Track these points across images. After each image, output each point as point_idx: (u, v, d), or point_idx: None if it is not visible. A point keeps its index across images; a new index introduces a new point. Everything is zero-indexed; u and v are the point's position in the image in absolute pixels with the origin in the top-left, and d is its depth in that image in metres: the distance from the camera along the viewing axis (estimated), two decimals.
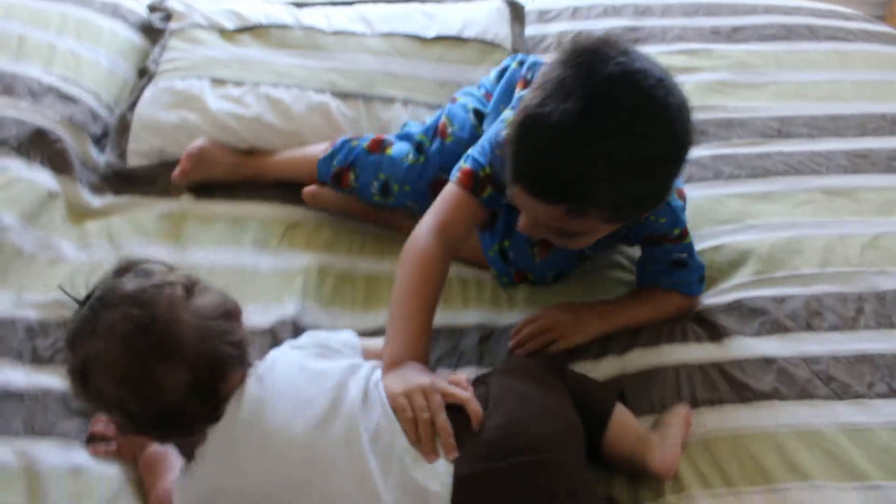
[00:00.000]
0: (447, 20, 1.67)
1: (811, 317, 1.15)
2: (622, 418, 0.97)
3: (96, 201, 1.33)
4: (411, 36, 1.61)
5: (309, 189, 1.33)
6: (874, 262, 1.23)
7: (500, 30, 1.68)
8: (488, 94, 1.36)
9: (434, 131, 1.30)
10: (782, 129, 1.52)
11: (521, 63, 1.31)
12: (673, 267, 1.16)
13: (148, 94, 1.46)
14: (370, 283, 1.25)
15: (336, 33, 1.60)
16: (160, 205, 1.34)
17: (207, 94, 1.45)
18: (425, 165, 1.27)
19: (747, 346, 1.11)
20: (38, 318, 1.10)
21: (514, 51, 1.65)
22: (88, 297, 0.84)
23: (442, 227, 1.06)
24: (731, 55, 1.72)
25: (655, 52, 1.67)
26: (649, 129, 0.88)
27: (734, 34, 1.80)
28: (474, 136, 1.24)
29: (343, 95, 1.48)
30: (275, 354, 0.92)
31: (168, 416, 0.81)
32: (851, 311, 1.16)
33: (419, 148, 1.29)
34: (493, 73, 1.39)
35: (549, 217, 0.95)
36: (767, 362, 1.09)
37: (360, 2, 1.74)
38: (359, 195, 1.31)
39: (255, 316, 1.14)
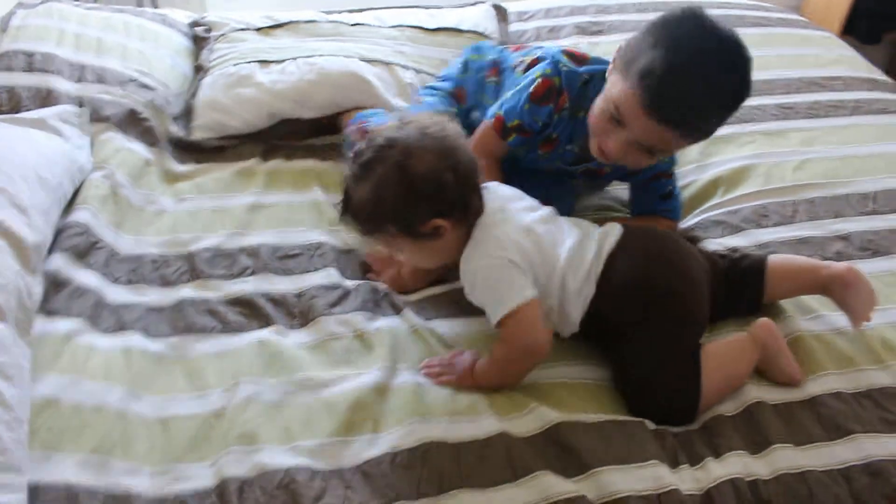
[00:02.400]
0: (446, 17, 2.01)
1: (759, 219, 1.49)
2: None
3: (181, 167, 1.59)
4: (417, 27, 1.95)
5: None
6: (802, 178, 1.61)
7: (490, 25, 2.03)
8: (459, 88, 1.61)
9: None
10: None
11: (479, 51, 1.62)
12: (664, 198, 1.48)
13: (207, 80, 1.73)
14: None
15: (356, 24, 1.92)
16: (233, 166, 1.61)
17: (257, 72, 1.72)
18: None
19: (715, 244, 1.44)
20: (158, 253, 1.37)
21: (502, 43, 1.99)
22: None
23: (476, 146, 1.36)
24: None
25: (616, 41, 2.05)
26: (744, 72, 1.16)
27: None
28: None
29: (368, 61, 1.76)
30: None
31: (466, 178, 1.13)
32: (790, 211, 1.52)
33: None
34: (457, 64, 1.66)
35: (661, 140, 1.20)
36: (732, 251, 1.42)
37: (372, 9, 2.07)
38: None
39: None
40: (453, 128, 1.16)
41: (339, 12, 2.03)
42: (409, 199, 1.10)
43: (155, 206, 1.48)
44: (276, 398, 1.11)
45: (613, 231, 1.23)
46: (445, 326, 1.26)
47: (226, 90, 1.71)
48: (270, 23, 1.89)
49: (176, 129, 1.65)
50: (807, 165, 1.64)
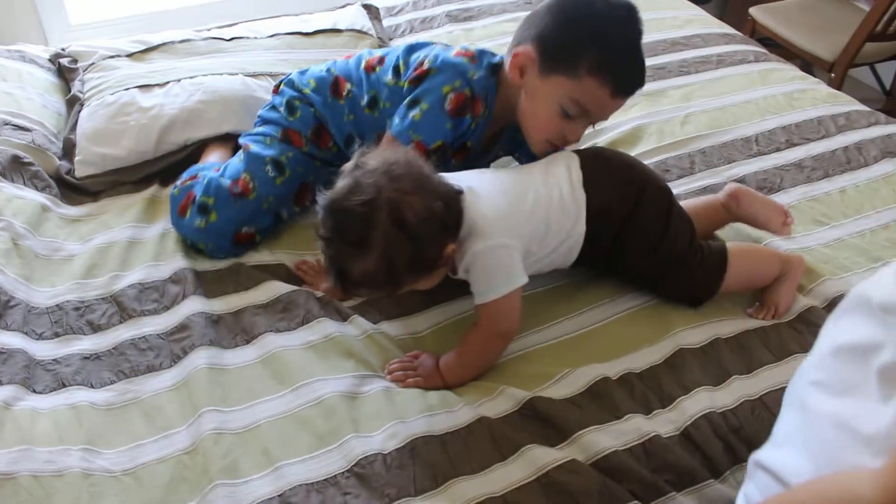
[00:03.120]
0: (321, 21, 1.99)
1: (662, 174, 1.58)
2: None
3: (80, 208, 1.49)
4: (294, 33, 1.92)
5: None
6: (690, 131, 1.72)
7: (365, 23, 2.02)
8: (289, 130, 1.45)
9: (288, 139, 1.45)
10: None
11: (293, 85, 1.48)
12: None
13: (85, 113, 1.63)
14: None
15: (233, 39, 1.87)
16: (131, 198, 1.53)
17: (138, 97, 1.63)
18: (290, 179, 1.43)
19: None
20: (79, 300, 1.28)
21: (379, 39, 1.99)
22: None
23: None
24: None
25: (490, 23, 2.11)
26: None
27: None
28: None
29: (252, 75, 1.72)
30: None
31: (449, 200, 1.11)
32: (687, 164, 1.62)
33: (277, 166, 1.42)
34: (278, 108, 1.48)
35: (614, 110, 1.32)
36: None
37: (242, 22, 2.01)
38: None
39: None
40: (403, 152, 1.13)
41: (209, 28, 1.96)
42: (418, 249, 1.08)
43: (62, 252, 1.38)
44: (245, 423, 1.08)
45: (571, 161, 1.27)
46: (394, 328, 1.27)
47: (108, 120, 1.62)
48: (142, 46, 1.81)
49: (64, 169, 1.55)
50: (691, 119, 1.76)
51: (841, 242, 1.43)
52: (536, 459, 1.02)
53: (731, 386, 1.15)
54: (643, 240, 1.25)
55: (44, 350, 1.18)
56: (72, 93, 1.72)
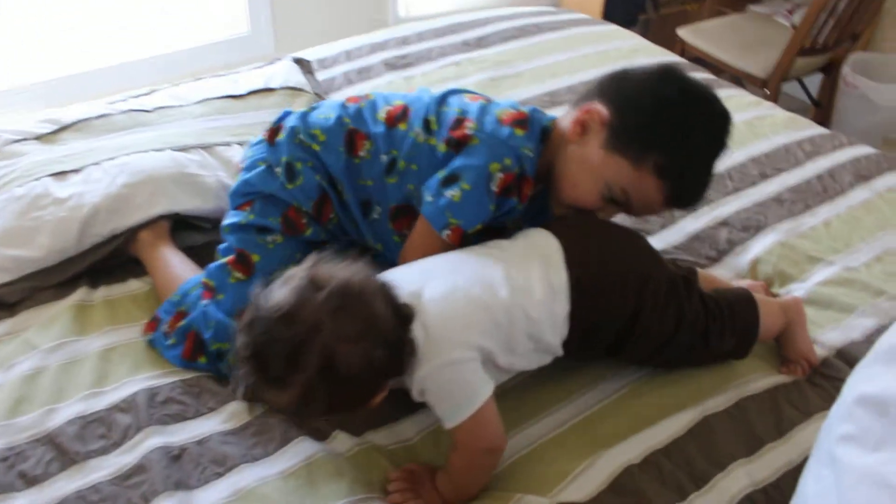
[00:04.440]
0: (250, 81, 1.82)
1: (643, 225, 1.48)
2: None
3: None
4: (224, 97, 1.74)
5: None
6: None
7: (299, 79, 1.87)
8: (291, 208, 1.24)
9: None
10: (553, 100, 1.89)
11: (278, 151, 1.25)
12: None
13: None
14: None
15: (156, 109, 1.68)
16: (57, 305, 1.32)
17: (52, 187, 1.43)
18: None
19: None
20: (6, 445, 1.07)
21: (316, 94, 1.85)
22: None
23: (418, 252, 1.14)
24: (487, 58, 2.07)
25: (430, 70, 2.00)
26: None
27: (481, 42, 2.16)
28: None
29: (182, 148, 1.52)
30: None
31: (397, 343, 0.94)
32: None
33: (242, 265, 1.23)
34: (265, 181, 1.25)
35: (657, 214, 1.21)
36: None
37: (162, 87, 1.83)
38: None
39: None
40: (362, 278, 0.95)
41: (125, 99, 1.77)
42: (343, 398, 0.94)
43: None
44: None
45: (545, 240, 1.09)
46: (381, 437, 1.11)
47: (18, 217, 1.40)
48: (53, 126, 1.60)
49: None
50: None
51: (839, 279, 1.36)
52: None
53: (767, 456, 1.06)
54: (650, 340, 1.11)
55: None
56: None
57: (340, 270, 0.94)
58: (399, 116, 1.22)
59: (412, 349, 0.95)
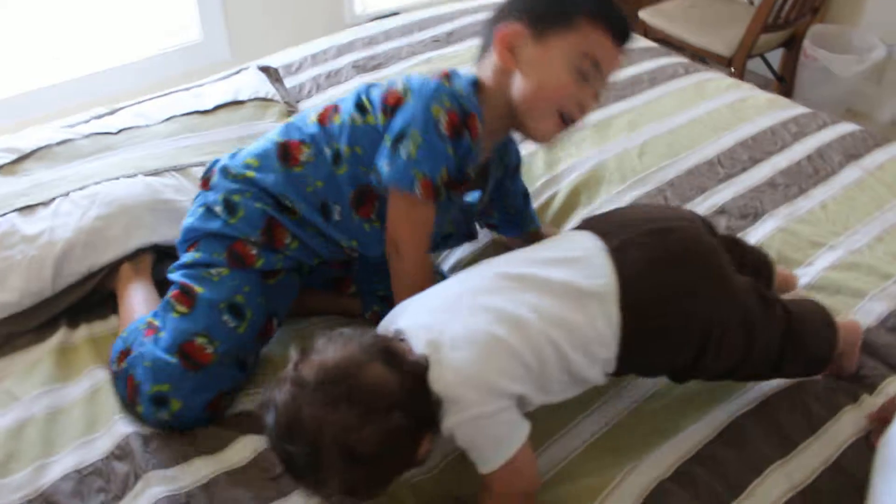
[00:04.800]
0: (216, 94, 1.74)
1: None
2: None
3: None
4: (191, 113, 1.66)
5: None
6: (650, 163, 1.60)
7: (268, 88, 1.79)
8: (241, 241, 1.17)
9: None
10: None
11: (228, 173, 1.22)
12: (525, 197, 1.40)
13: None
14: None
15: (121, 131, 1.59)
16: (38, 349, 1.24)
17: (20, 223, 1.34)
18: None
19: None
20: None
21: (286, 103, 1.77)
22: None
23: (409, 240, 1.14)
24: (459, 54, 2.01)
25: (402, 69, 1.93)
26: None
27: (450, 38, 2.10)
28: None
29: (154, 173, 1.45)
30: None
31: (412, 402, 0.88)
32: (662, 200, 1.50)
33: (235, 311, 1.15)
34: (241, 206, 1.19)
35: (618, 64, 1.15)
36: None
37: (125, 106, 1.73)
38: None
39: None
40: (336, 356, 0.89)
41: (88, 121, 1.67)
42: (384, 470, 0.90)
43: None
44: None
45: (598, 269, 0.98)
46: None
47: None
48: (12, 156, 1.49)
49: None
50: (647, 149, 1.64)
51: (844, 263, 1.34)
52: None
53: (802, 455, 1.03)
54: (709, 375, 1.05)
55: None
56: None
57: (326, 352, 0.89)
58: (331, 114, 1.20)
59: (437, 401, 0.90)
